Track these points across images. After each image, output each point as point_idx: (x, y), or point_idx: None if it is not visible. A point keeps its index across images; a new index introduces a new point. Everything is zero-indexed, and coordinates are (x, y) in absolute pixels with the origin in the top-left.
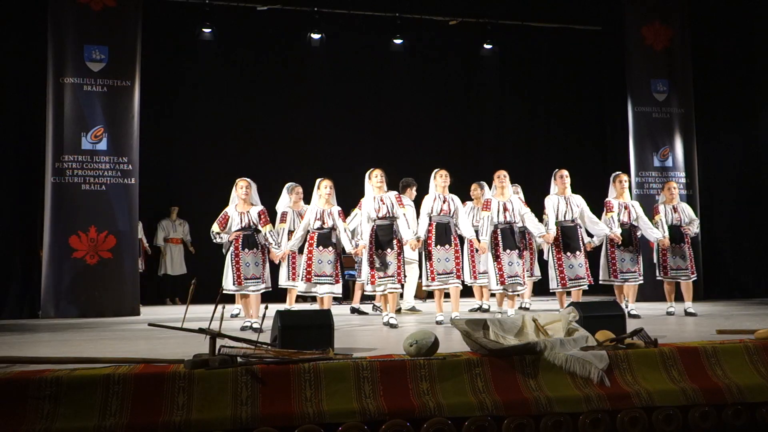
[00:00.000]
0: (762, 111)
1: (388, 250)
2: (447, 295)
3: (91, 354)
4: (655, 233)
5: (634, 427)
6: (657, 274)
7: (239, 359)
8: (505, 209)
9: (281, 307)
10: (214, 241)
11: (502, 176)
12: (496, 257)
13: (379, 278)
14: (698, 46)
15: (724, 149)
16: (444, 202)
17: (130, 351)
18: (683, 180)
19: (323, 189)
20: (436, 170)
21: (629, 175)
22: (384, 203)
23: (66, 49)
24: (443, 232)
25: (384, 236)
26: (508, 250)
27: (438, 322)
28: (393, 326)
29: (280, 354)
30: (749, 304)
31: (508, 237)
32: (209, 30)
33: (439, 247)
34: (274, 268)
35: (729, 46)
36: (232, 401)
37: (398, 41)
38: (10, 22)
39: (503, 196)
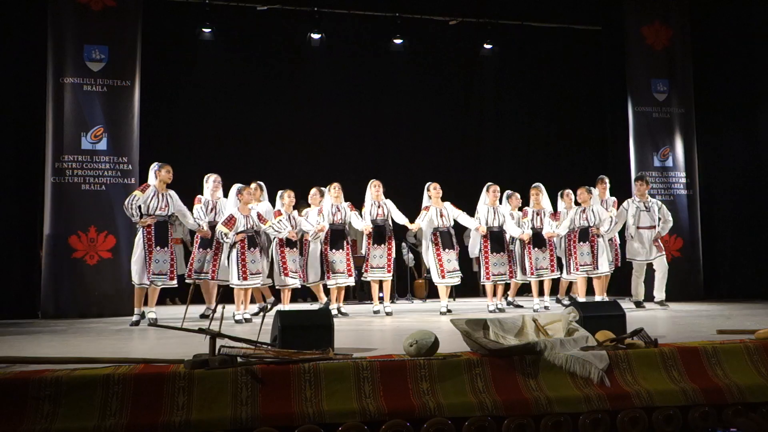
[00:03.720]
0: (762, 111)
1: (340, 250)
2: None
3: (91, 354)
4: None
5: (634, 427)
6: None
7: (239, 359)
8: (441, 215)
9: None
10: (221, 241)
11: (438, 188)
12: (438, 255)
13: (332, 273)
14: (698, 46)
15: (724, 149)
16: (379, 207)
17: (130, 351)
18: (683, 180)
19: (286, 198)
20: (371, 181)
21: (629, 175)
22: (339, 211)
23: (66, 49)
24: (378, 235)
25: (336, 238)
26: (447, 249)
27: (375, 312)
28: (344, 314)
29: (280, 354)
30: (749, 304)
31: (446, 239)
32: (209, 30)
33: (375, 245)
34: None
35: (729, 46)
36: (232, 401)
37: (398, 41)
38: (10, 23)
39: (438, 204)
